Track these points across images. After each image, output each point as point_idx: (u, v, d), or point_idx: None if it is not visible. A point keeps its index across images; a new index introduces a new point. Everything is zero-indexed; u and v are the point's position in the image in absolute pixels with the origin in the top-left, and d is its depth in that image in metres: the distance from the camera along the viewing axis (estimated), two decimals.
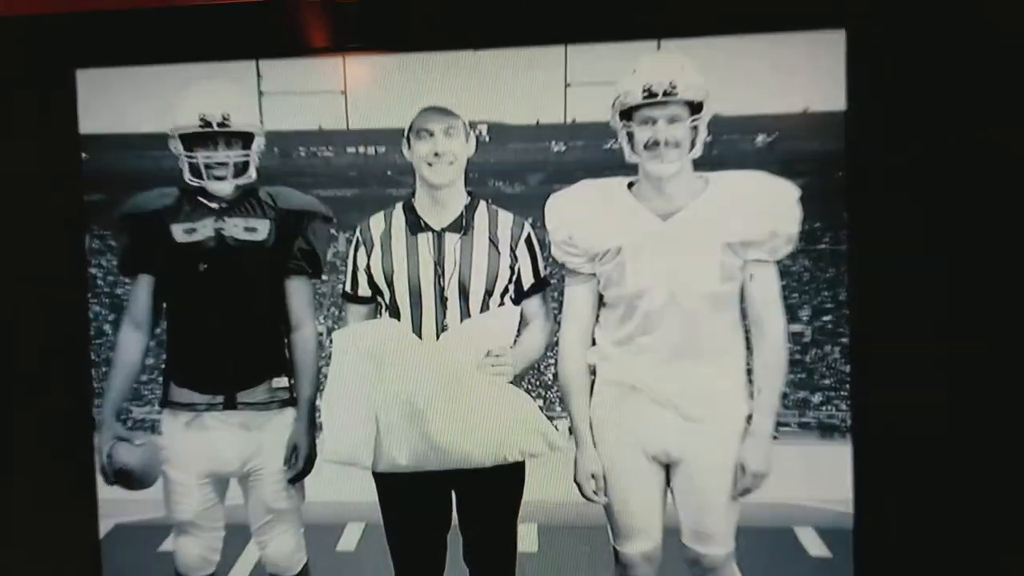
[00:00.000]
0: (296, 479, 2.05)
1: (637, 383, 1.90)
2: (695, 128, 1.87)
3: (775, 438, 1.89)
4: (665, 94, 1.83)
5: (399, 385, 1.87)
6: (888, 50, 2.00)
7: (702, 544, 1.91)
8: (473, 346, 1.89)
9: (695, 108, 1.86)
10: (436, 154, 1.90)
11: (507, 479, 1.96)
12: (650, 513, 1.94)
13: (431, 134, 1.90)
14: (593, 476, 1.94)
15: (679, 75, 1.84)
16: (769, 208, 1.87)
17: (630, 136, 1.89)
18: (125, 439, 2.03)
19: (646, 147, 1.86)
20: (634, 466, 1.92)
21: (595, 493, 1.94)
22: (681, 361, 1.88)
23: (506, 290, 1.95)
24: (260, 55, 2.12)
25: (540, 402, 2.00)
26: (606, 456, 1.94)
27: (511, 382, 1.93)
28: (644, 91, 1.84)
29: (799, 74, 2.01)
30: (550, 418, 1.96)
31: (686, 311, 1.86)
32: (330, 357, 1.96)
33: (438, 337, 1.90)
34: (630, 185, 1.94)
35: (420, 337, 1.90)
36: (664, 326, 1.87)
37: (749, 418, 1.90)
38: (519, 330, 1.97)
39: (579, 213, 1.93)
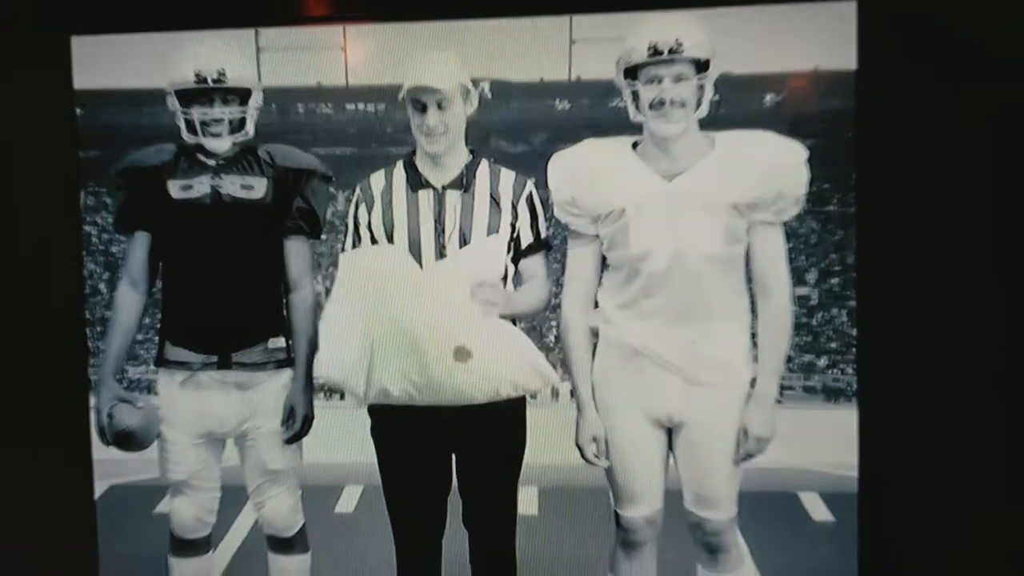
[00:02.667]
0: (293, 439, 2.03)
1: (640, 346, 1.87)
2: (701, 87, 1.83)
3: (779, 402, 1.87)
4: (671, 52, 1.79)
5: (396, 315, 1.84)
6: (900, 7, 1.96)
7: (704, 509, 1.89)
8: (465, 276, 1.85)
9: (701, 66, 1.82)
10: (429, 127, 1.86)
11: (507, 439, 1.94)
12: (652, 477, 1.91)
13: (424, 107, 1.86)
14: (594, 439, 1.91)
15: (685, 32, 1.80)
16: (776, 169, 1.82)
17: (635, 95, 1.85)
18: (127, 401, 2.01)
19: (651, 106, 1.82)
20: (636, 429, 1.90)
21: (596, 457, 1.92)
22: (685, 324, 1.84)
23: (508, 248, 1.92)
24: (258, 23, 2.09)
25: None
26: (608, 419, 1.91)
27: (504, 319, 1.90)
28: (650, 48, 1.80)
29: (809, 32, 1.98)
30: None
31: (690, 273, 1.82)
32: None
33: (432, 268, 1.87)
34: (635, 145, 1.91)
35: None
36: (668, 288, 1.83)
37: (754, 382, 1.87)
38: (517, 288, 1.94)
39: (582, 173, 1.90)
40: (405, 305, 1.84)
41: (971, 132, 1.98)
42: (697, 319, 1.84)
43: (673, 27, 1.80)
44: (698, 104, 1.83)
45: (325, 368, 1.91)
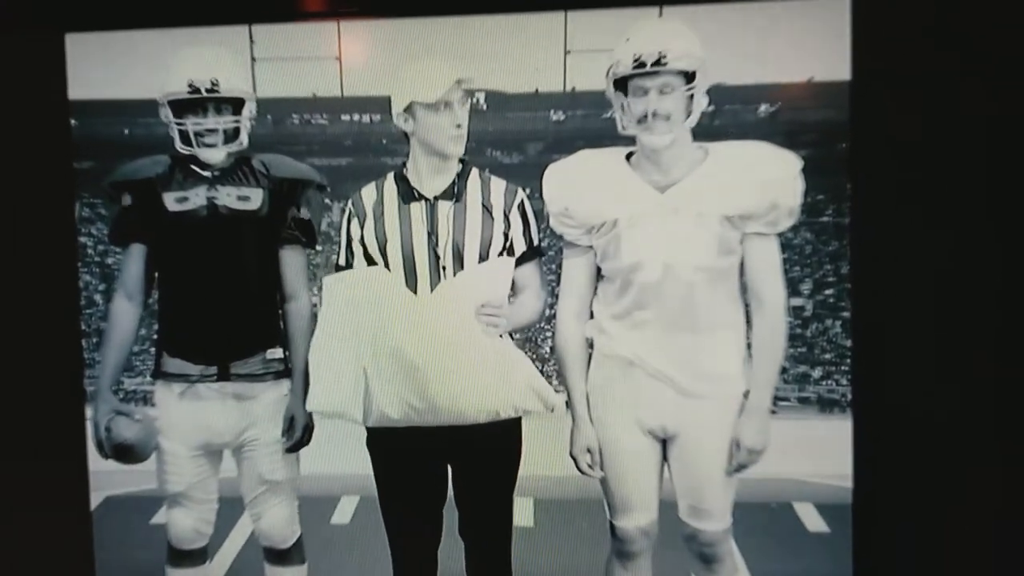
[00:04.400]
0: (294, 449, 2.03)
1: (634, 357, 1.87)
2: (690, 98, 1.82)
3: (774, 412, 1.87)
4: (655, 64, 1.78)
5: (390, 336, 1.84)
6: (894, 18, 1.96)
7: (699, 520, 1.89)
8: (468, 298, 1.86)
9: (689, 77, 1.81)
10: (458, 126, 1.86)
11: (503, 451, 1.94)
12: (646, 488, 1.92)
13: (450, 106, 1.85)
14: (589, 450, 1.91)
15: (670, 44, 1.78)
16: (769, 180, 1.82)
17: (623, 107, 1.84)
18: (124, 413, 2.01)
19: (638, 120, 1.81)
20: (630, 440, 1.90)
21: (590, 467, 1.92)
22: (678, 335, 1.84)
23: (504, 256, 1.92)
24: (253, 20, 2.08)
25: None
26: (602, 430, 1.92)
27: (503, 337, 1.90)
28: (635, 61, 1.79)
29: (803, 43, 1.98)
30: None
31: (682, 285, 1.82)
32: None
33: (432, 291, 1.87)
34: (629, 156, 1.90)
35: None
36: (660, 300, 1.83)
37: (747, 393, 1.87)
38: (512, 298, 1.94)
39: (576, 184, 1.90)
40: (402, 329, 1.84)
41: (966, 142, 1.98)
42: (690, 330, 1.84)
43: (658, 39, 1.79)
44: (688, 115, 1.82)
45: (319, 401, 1.92)
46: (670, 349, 1.85)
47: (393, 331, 1.85)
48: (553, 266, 1.99)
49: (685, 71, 1.80)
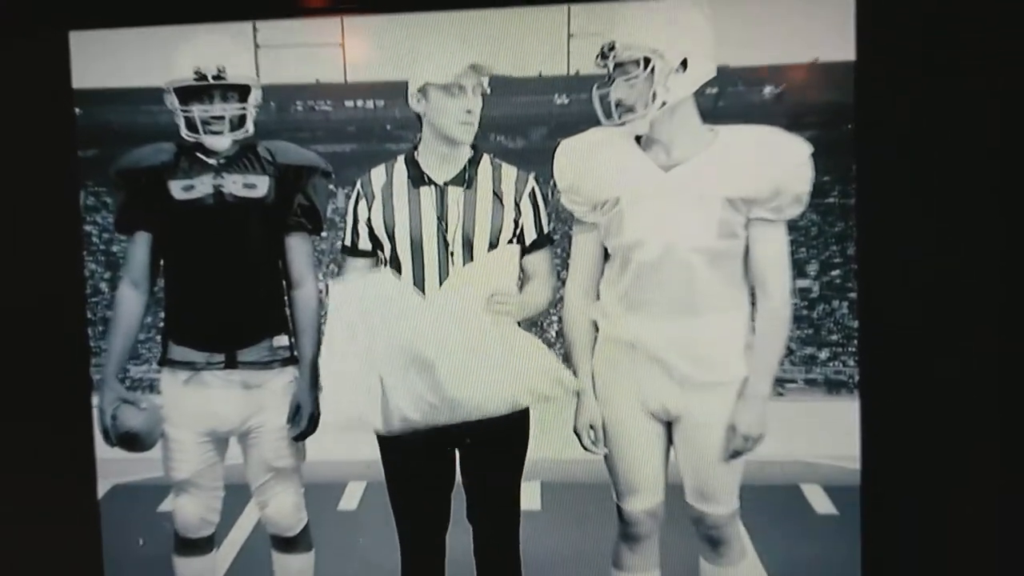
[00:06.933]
0: (301, 437, 2.04)
1: (633, 339, 1.86)
2: (651, 82, 1.77)
3: (780, 395, 1.86)
4: (602, 56, 1.79)
5: (404, 339, 1.83)
6: None
7: (705, 503, 1.88)
8: (477, 288, 1.85)
9: (647, 63, 1.77)
10: (469, 111, 1.85)
11: (510, 436, 1.94)
12: (652, 470, 1.91)
13: (464, 90, 1.85)
14: (591, 426, 1.91)
15: (618, 33, 1.78)
16: (775, 165, 1.80)
17: (595, 98, 1.84)
18: (130, 402, 2.01)
19: (605, 115, 1.81)
20: (634, 422, 1.90)
21: (593, 444, 1.91)
22: (677, 317, 1.83)
23: (510, 244, 1.92)
24: (256, 16, 2.08)
25: None
26: (607, 411, 1.91)
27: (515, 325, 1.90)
28: (600, 49, 1.80)
29: (808, 23, 1.97)
30: None
31: (681, 265, 1.81)
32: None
33: (441, 286, 1.87)
34: (640, 135, 1.89)
35: (423, 290, 1.87)
36: (658, 280, 1.82)
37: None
38: (522, 286, 1.94)
39: (584, 161, 1.89)
40: (413, 330, 1.83)
41: (971, 121, 1.97)
42: (688, 313, 1.83)
43: (616, 27, 1.79)
44: (654, 98, 1.78)
45: (334, 412, 1.91)
46: (668, 331, 1.84)
47: (404, 329, 1.84)
48: (559, 250, 1.98)
49: (637, 60, 1.78)
